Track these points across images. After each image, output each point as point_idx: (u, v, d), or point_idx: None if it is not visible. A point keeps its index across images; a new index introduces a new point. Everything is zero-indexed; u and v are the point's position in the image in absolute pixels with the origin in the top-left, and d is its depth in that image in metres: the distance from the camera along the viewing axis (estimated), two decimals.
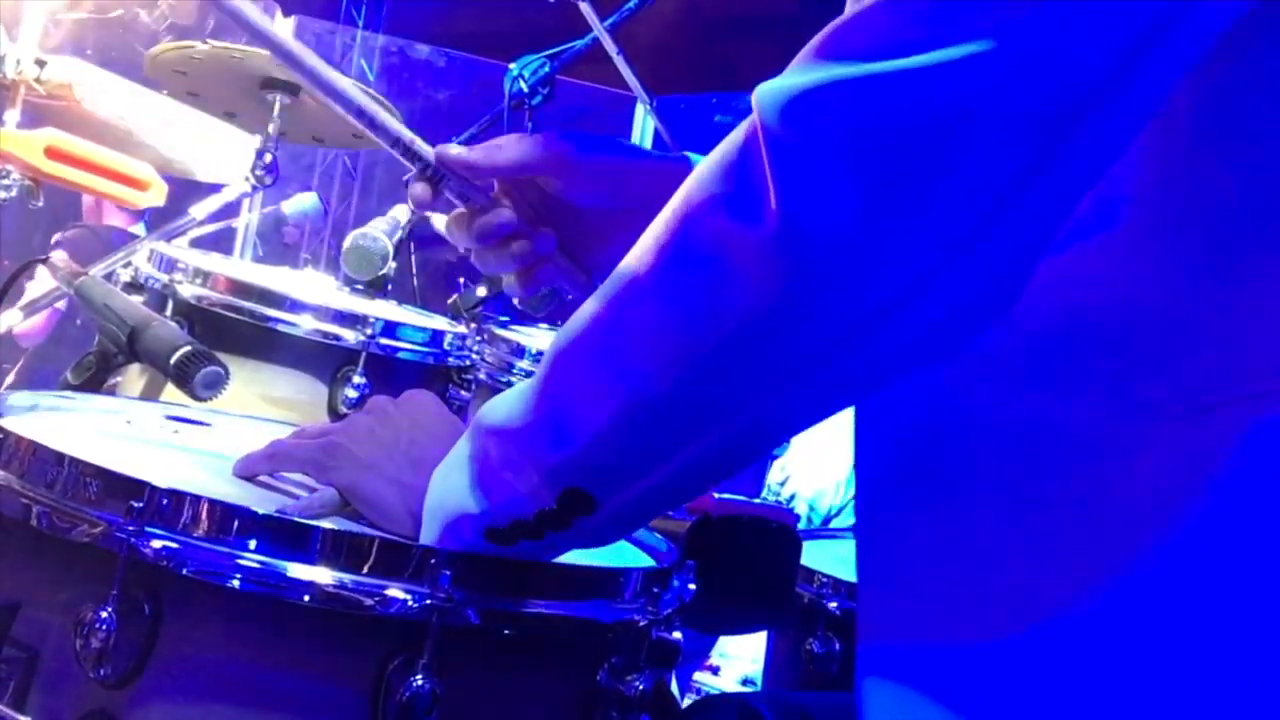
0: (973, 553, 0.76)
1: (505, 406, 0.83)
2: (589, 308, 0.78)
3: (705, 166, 0.72)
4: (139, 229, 4.40)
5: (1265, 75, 0.69)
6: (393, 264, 2.11)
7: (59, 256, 1.50)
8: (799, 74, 0.67)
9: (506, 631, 0.87)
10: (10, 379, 4.02)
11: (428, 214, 2.23)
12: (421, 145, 1.04)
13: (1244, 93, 0.70)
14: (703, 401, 0.74)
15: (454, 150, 1.03)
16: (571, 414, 0.78)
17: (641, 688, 0.92)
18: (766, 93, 0.68)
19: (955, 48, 0.62)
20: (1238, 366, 0.71)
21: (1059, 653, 0.71)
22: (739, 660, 2.84)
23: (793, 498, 2.65)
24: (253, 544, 0.82)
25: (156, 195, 1.87)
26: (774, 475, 2.60)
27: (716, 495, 1.26)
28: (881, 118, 0.64)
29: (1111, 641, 0.70)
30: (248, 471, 0.99)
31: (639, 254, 0.75)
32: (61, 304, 3.96)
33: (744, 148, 0.69)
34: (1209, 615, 0.69)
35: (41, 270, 1.54)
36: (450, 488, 0.85)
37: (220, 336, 1.77)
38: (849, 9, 0.67)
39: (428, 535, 0.87)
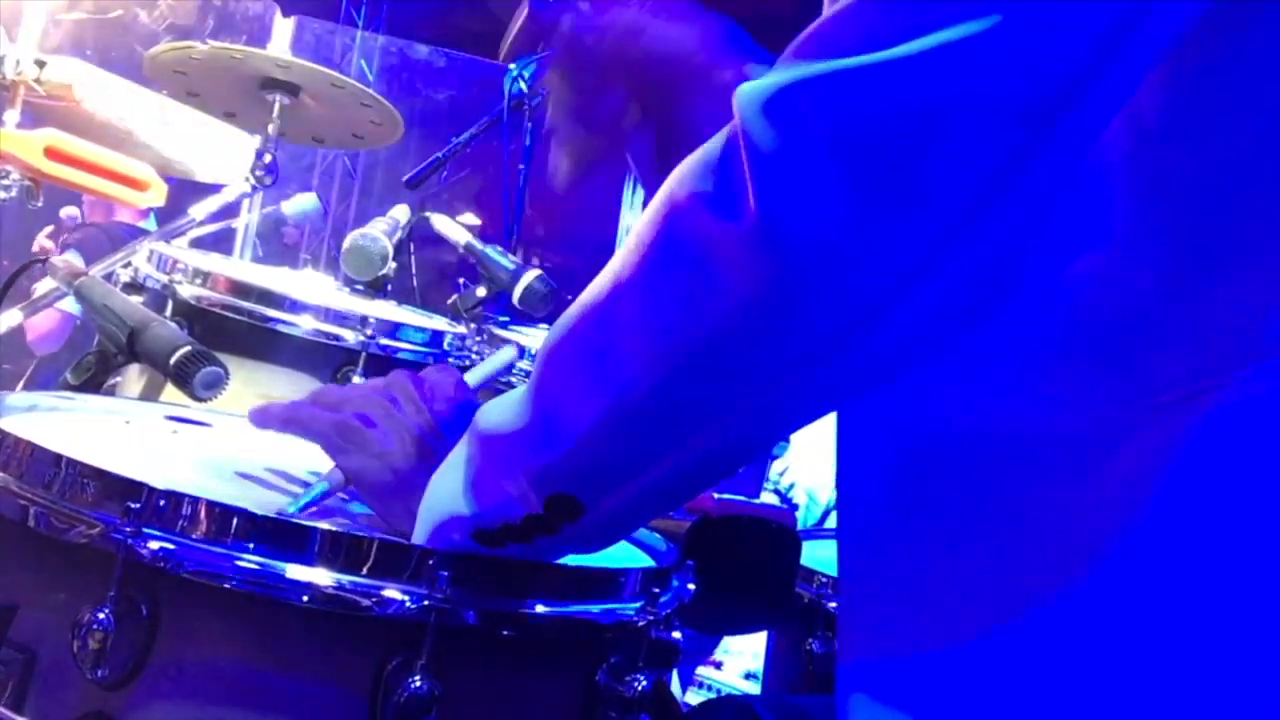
0: (954, 559, 0.75)
1: (500, 410, 0.83)
2: (577, 306, 0.77)
3: (688, 165, 0.71)
4: (150, 223, 4.39)
5: (1223, 74, 0.69)
6: (393, 264, 2.11)
7: (62, 257, 1.49)
8: (778, 73, 0.67)
9: (505, 632, 0.87)
10: (20, 386, 4.01)
11: (427, 214, 2.24)
12: None
13: (1206, 92, 0.69)
14: (689, 403, 0.73)
15: None
16: (560, 417, 0.78)
17: (641, 688, 0.92)
18: (746, 92, 0.68)
19: (932, 36, 0.62)
20: (1203, 361, 0.70)
21: (1040, 655, 0.71)
22: (742, 655, 2.83)
23: (792, 486, 2.65)
24: (251, 545, 0.82)
25: (156, 195, 1.87)
26: (774, 465, 2.60)
27: (716, 495, 1.27)
28: (861, 112, 0.63)
29: (1090, 644, 0.70)
30: (264, 424, 0.99)
31: (624, 252, 0.75)
32: (76, 309, 3.96)
33: (725, 147, 0.69)
34: (1187, 609, 0.68)
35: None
36: (445, 489, 0.86)
37: (220, 337, 1.76)
38: (826, 9, 0.67)
39: (419, 534, 0.87)
